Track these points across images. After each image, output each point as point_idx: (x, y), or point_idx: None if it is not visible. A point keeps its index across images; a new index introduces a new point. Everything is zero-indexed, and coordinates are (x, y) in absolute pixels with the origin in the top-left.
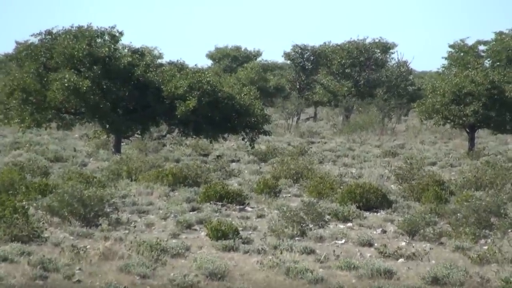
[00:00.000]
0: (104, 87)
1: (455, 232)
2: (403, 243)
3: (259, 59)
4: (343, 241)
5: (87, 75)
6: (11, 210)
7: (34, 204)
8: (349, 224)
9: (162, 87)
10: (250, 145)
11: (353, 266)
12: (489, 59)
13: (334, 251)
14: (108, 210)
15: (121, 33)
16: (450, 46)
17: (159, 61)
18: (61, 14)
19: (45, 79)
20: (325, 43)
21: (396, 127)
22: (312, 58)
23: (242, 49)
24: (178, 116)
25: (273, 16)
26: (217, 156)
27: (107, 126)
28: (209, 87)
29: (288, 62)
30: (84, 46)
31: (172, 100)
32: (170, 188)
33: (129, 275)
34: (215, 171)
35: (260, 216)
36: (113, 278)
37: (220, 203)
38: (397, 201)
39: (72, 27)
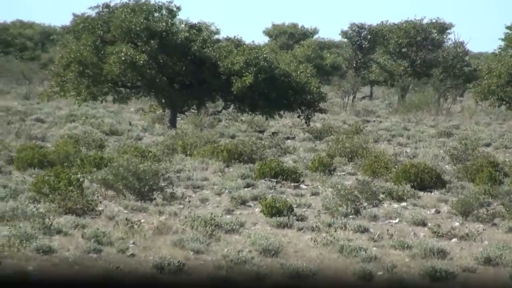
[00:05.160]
0: (161, 61)
1: (508, 213)
2: (457, 224)
3: (315, 36)
4: (397, 220)
5: (143, 49)
6: (66, 182)
7: (89, 177)
8: (403, 204)
9: (218, 62)
10: (306, 122)
11: (406, 246)
12: None
13: (387, 230)
14: (163, 184)
15: (178, 8)
16: (507, 28)
17: (216, 37)
18: None
19: (101, 52)
20: (382, 22)
21: (452, 107)
22: (369, 37)
23: (299, 26)
24: (234, 92)
25: None
26: (273, 133)
27: (163, 100)
28: (265, 63)
29: (345, 40)
30: (142, 20)
31: (228, 76)
32: (225, 164)
33: (183, 250)
34: (270, 147)
35: (314, 194)
36: (167, 253)
37: (275, 180)
38: (451, 182)
39: (129, 0)
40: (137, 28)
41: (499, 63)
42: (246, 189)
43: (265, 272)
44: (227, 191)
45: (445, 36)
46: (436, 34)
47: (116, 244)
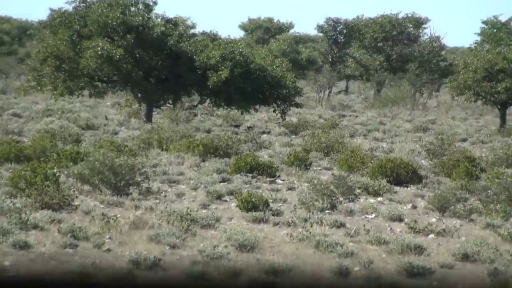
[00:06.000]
0: (137, 56)
1: (486, 209)
2: (434, 219)
3: (291, 31)
4: (373, 215)
5: (120, 44)
6: (42, 177)
7: (65, 172)
8: (380, 199)
9: (194, 57)
10: (281, 117)
11: (383, 241)
12: None
13: (364, 225)
14: (139, 179)
15: (154, 2)
16: (483, 22)
17: (192, 31)
18: None
19: (78, 47)
20: (358, 16)
21: (428, 102)
22: (344, 31)
23: (275, 21)
24: (210, 87)
25: None
26: (248, 128)
27: (139, 95)
28: (241, 58)
29: (321, 34)
30: (118, 15)
31: (204, 70)
32: (201, 158)
33: (159, 245)
34: (246, 142)
35: (290, 189)
36: (143, 248)
37: (251, 175)
38: (428, 177)
39: None
40: (114, 23)
41: (475, 58)
42: (221, 183)
43: (241, 267)
44: (203, 186)
45: (421, 31)
46: (411, 29)
47: (92, 239)
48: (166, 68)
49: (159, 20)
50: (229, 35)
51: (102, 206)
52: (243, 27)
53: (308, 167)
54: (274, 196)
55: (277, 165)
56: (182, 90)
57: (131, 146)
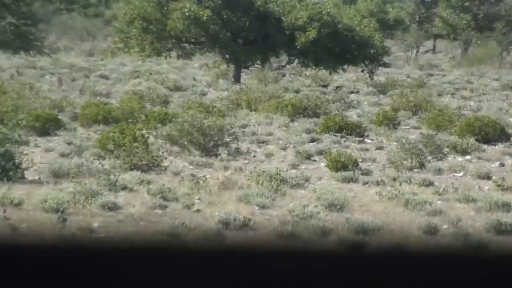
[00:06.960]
0: (224, 17)
1: None
2: None
3: None
4: (461, 173)
5: (207, 5)
6: (131, 138)
7: (154, 133)
8: (468, 157)
9: (282, 18)
10: (369, 76)
11: (471, 199)
12: None
13: (452, 183)
14: (228, 139)
15: None
16: None
17: None
18: None
19: (165, 8)
20: None
21: None
22: None
23: None
24: (298, 47)
25: None
26: (337, 87)
27: (227, 56)
28: (329, 18)
29: None
30: None
31: (292, 31)
32: (290, 118)
33: (249, 205)
34: (334, 102)
35: (379, 148)
36: (232, 208)
37: (340, 134)
38: None
39: None
40: None
41: None
42: (310, 143)
43: (331, 226)
44: (292, 146)
45: None
46: None
47: (181, 200)
48: (253, 29)
49: None
50: None
51: (191, 167)
52: None
53: (397, 126)
54: (363, 155)
55: (365, 124)
56: (270, 50)
57: (220, 107)
